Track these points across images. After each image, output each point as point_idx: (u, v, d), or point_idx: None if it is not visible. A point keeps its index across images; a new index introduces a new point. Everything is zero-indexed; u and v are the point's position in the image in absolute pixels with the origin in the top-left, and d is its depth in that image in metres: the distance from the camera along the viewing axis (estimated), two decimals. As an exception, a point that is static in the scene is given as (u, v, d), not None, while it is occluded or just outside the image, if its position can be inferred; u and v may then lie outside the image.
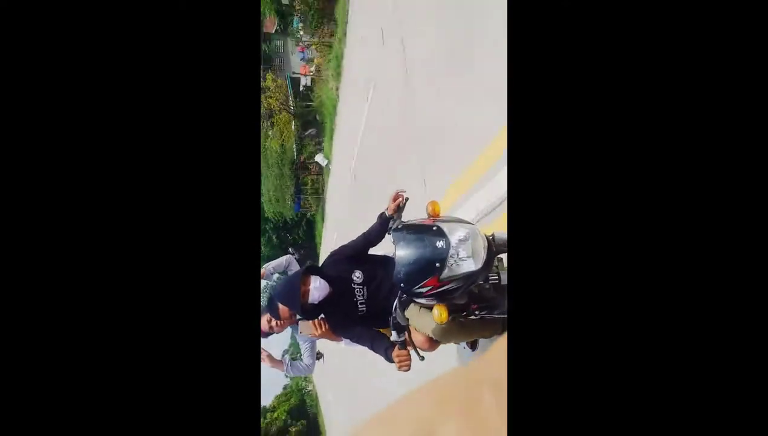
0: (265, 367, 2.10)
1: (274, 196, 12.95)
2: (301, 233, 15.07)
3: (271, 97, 12.01)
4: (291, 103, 12.05)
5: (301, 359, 2.30)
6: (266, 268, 2.43)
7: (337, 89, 10.04)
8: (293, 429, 22.04)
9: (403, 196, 1.79)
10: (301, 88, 12.19)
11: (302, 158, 12.50)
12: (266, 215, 12.96)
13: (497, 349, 0.32)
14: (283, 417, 22.93)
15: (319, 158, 11.68)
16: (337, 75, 9.83)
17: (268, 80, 12.22)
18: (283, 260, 2.49)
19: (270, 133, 11.94)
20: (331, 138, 10.78)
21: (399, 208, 1.78)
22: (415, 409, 0.27)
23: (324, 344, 2.41)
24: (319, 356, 2.33)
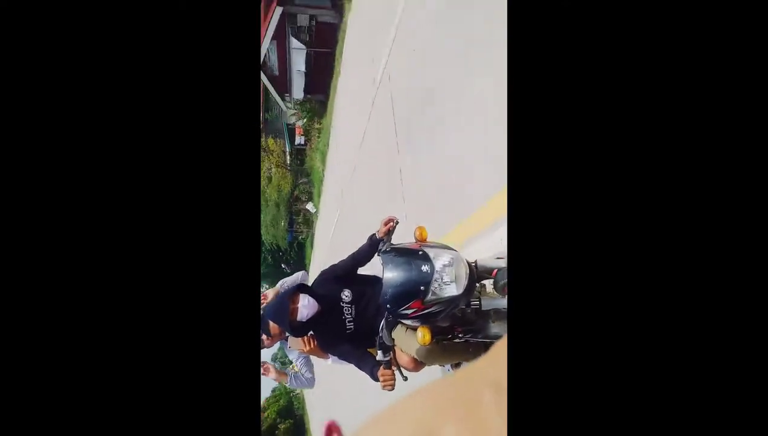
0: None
1: (270, 225, 14.93)
2: (293, 254, 16.91)
3: (271, 156, 13.62)
4: (288, 160, 13.91)
5: (302, 374, 2.30)
6: (282, 284, 2.42)
7: (323, 170, 10.95)
8: (282, 426, 22.91)
9: (394, 220, 1.83)
10: (295, 144, 13.70)
11: (295, 194, 14.30)
12: (263, 241, 15.09)
13: (497, 349, 0.32)
14: (273, 416, 23.53)
15: (309, 206, 13.06)
16: (323, 163, 10.71)
17: (270, 143, 13.60)
18: (297, 275, 2.48)
19: (269, 184, 14.00)
20: (320, 195, 11.95)
21: (389, 232, 1.81)
22: (416, 410, 0.27)
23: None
24: None
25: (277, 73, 10.32)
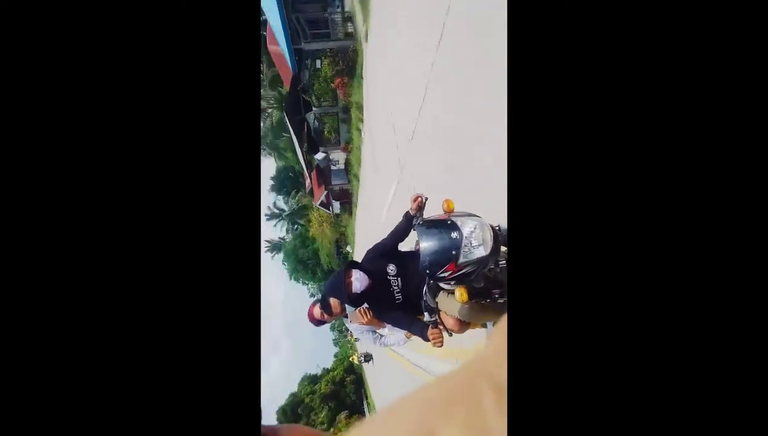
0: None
1: (327, 256, 25.28)
2: (340, 265, 25.99)
3: (324, 220, 23.05)
4: (333, 220, 22.61)
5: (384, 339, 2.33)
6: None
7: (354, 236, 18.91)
8: (348, 379, 25.77)
9: (422, 197, 1.90)
10: (335, 212, 22.51)
11: (339, 238, 23.87)
12: (323, 263, 26.24)
13: (498, 347, 0.31)
14: (341, 373, 25.60)
15: (348, 248, 21.86)
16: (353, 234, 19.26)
17: (321, 213, 22.55)
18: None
19: (323, 233, 23.59)
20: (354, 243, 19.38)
21: (420, 208, 1.89)
22: (415, 409, 0.25)
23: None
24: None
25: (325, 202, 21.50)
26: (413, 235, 1.84)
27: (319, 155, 17.26)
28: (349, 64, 12.89)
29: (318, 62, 14.16)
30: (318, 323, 2.13)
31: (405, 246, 2.07)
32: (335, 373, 26.91)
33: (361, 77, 11.72)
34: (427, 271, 1.68)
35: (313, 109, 16.63)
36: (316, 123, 17.89)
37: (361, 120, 12.35)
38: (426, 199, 1.90)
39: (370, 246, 2.09)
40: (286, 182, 27.63)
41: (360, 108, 12.24)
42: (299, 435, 0.51)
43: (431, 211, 1.87)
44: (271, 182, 28.77)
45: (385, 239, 2.03)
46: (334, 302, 1.99)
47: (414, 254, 1.94)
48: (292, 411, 27.08)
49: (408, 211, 1.95)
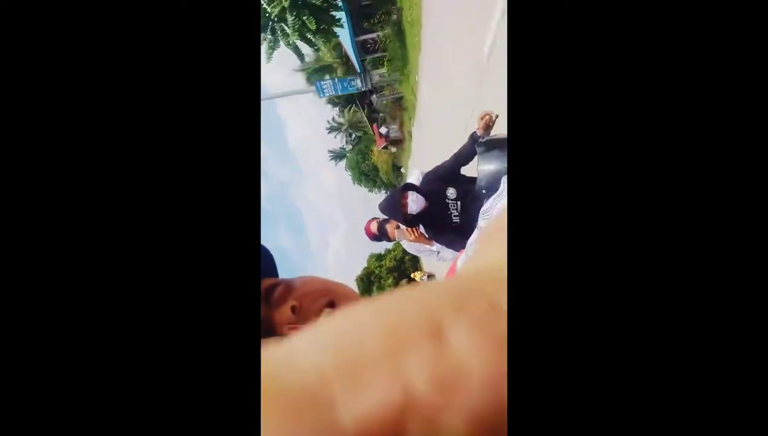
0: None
1: (385, 173, 29.05)
2: (396, 183, 31.01)
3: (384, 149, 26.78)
4: (390, 151, 26.80)
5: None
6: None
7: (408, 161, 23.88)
8: (407, 258, 28.68)
9: (491, 114, 1.70)
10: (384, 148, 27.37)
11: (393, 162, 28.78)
12: (383, 179, 30.69)
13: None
14: (400, 253, 28.52)
15: (402, 170, 27.39)
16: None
17: (381, 151, 27.28)
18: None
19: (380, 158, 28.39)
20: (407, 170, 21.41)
21: (488, 128, 1.71)
22: (425, 299, 0.22)
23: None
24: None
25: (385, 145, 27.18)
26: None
27: (383, 129, 24.93)
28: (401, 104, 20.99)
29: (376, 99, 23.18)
30: (375, 238, 2.05)
31: (470, 171, 1.85)
32: (395, 253, 29.41)
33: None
34: (484, 190, 1.62)
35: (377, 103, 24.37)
36: (378, 102, 24.64)
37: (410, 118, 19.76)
38: (496, 116, 1.70)
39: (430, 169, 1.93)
40: (341, 99, 29.06)
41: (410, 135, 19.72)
42: (312, 284, 0.49)
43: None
44: (329, 99, 31.23)
45: (447, 161, 1.85)
46: (391, 229, 1.89)
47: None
48: (368, 279, 30.66)
49: (474, 132, 1.74)
